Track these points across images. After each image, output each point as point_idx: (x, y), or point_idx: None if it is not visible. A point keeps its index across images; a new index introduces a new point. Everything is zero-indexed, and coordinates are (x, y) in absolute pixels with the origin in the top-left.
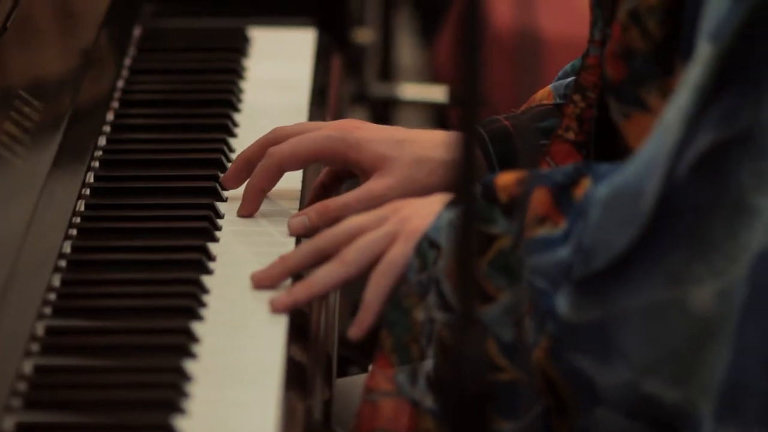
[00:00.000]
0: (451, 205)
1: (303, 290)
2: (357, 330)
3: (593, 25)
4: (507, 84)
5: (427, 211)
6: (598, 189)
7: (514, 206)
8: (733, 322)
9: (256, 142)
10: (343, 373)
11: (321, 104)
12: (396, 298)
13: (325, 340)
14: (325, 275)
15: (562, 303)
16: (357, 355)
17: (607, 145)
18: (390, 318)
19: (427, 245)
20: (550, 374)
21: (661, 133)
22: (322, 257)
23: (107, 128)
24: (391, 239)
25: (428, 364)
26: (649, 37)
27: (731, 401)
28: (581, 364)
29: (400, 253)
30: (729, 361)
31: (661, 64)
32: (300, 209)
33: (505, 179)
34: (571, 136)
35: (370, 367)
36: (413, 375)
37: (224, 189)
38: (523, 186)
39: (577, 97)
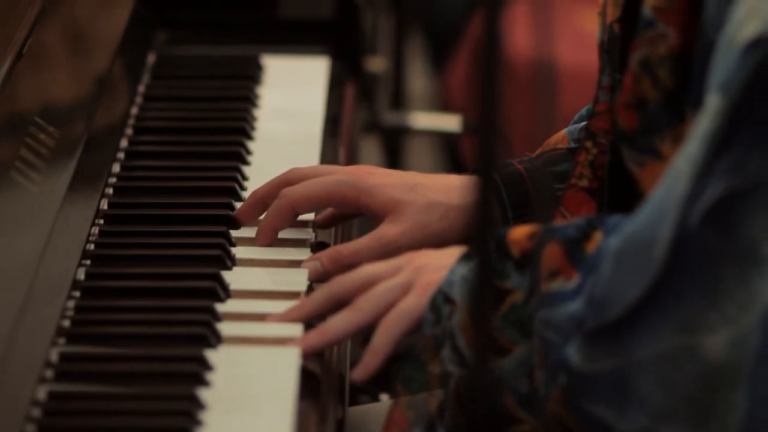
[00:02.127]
0: (464, 258)
1: (317, 337)
2: (362, 372)
3: (601, 71)
4: (523, 113)
5: (441, 264)
6: (609, 241)
7: (527, 261)
8: (748, 370)
9: (271, 181)
10: (353, 401)
11: (334, 133)
12: (412, 354)
13: (337, 368)
14: (339, 323)
15: (575, 354)
16: (368, 384)
17: (622, 191)
18: (405, 374)
19: (441, 300)
20: (569, 423)
21: (671, 182)
22: (337, 304)
23: (121, 155)
24: (405, 289)
25: (446, 417)
26: (661, 86)
27: None
28: (598, 412)
29: (413, 303)
30: (746, 408)
31: (673, 112)
32: (312, 236)
33: (517, 234)
34: (584, 183)
35: (385, 419)
36: (430, 429)
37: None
38: (534, 240)
39: (588, 144)
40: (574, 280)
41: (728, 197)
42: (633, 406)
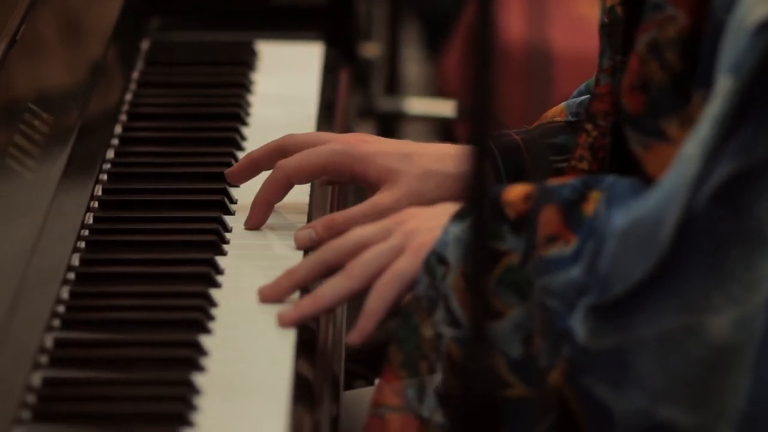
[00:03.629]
0: (456, 217)
1: (310, 304)
2: (356, 336)
3: (601, 53)
4: (517, 99)
5: (433, 224)
6: (615, 218)
7: (522, 223)
8: (752, 351)
9: (266, 145)
10: (348, 386)
11: (328, 118)
12: (405, 314)
13: (332, 354)
14: (331, 289)
15: (579, 329)
16: (363, 369)
17: (622, 174)
18: (399, 334)
19: (435, 260)
20: (566, 396)
21: (681, 164)
22: (328, 269)
23: (115, 141)
24: (397, 252)
25: (437, 379)
26: (668, 69)
27: (752, 429)
28: (596, 389)
29: (406, 265)
30: (749, 390)
31: (680, 94)
32: (307, 222)
33: (512, 195)
34: (584, 166)
35: (377, 381)
36: (422, 390)
37: (231, 202)
38: (530, 202)
39: (589, 126)
40: (572, 244)
41: (737, 178)
42: (631, 386)
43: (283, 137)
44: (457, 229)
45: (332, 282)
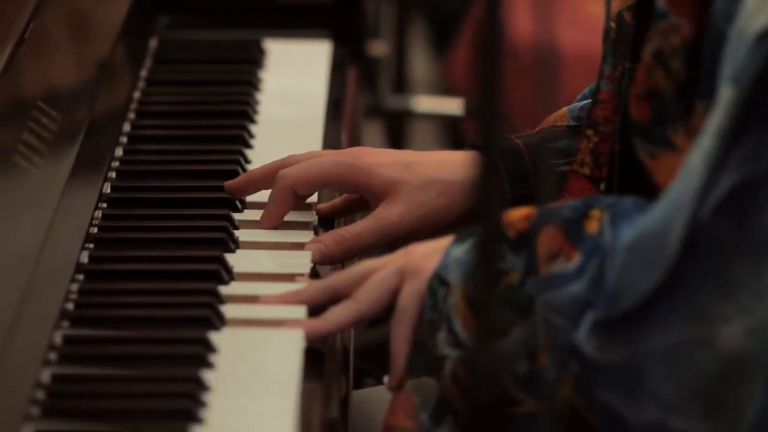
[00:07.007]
0: (458, 240)
1: (319, 325)
2: (395, 381)
3: (603, 60)
4: (524, 98)
5: (434, 248)
6: (621, 233)
7: (522, 242)
8: (766, 359)
9: (268, 164)
10: (358, 384)
11: (336, 116)
12: (416, 340)
13: (341, 351)
14: (339, 313)
15: (587, 343)
16: (372, 366)
17: (633, 181)
18: (410, 360)
19: (437, 282)
20: (580, 408)
21: (686, 176)
22: (334, 295)
23: (124, 139)
24: (400, 275)
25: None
26: (673, 78)
27: None
28: (610, 400)
29: (408, 295)
30: (763, 399)
31: (686, 104)
32: (315, 218)
33: (512, 216)
34: (586, 170)
35: (391, 402)
36: (437, 414)
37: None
38: (529, 221)
39: (590, 132)
40: (575, 261)
41: (741, 188)
42: (644, 398)
43: (285, 158)
44: (457, 251)
45: (341, 306)
